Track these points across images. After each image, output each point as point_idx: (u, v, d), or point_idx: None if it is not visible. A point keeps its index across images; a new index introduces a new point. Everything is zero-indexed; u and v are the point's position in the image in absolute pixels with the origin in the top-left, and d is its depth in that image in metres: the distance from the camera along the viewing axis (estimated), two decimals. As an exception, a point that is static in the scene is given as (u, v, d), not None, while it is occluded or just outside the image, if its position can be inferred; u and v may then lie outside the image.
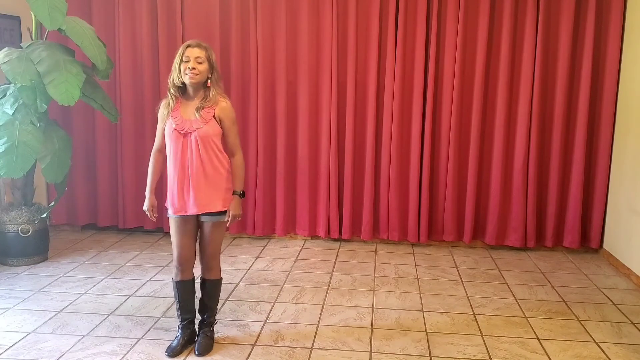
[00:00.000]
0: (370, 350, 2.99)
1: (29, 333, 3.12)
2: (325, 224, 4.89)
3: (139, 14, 4.77)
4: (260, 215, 4.92)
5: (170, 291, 3.74)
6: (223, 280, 3.11)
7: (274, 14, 4.68)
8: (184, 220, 2.88)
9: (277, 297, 3.71)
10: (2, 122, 3.85)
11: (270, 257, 4.56)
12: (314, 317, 3.39)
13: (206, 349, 2.96)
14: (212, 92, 2.82)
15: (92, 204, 5.10)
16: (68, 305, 3.50)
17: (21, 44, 4.04)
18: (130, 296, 3.67)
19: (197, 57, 2.74)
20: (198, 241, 2.99)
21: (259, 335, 3.15)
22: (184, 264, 2.94)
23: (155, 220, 3.05)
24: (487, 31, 4.53)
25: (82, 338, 3.07)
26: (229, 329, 3.22)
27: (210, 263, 2.97)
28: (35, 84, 3.75)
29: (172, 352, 2.93)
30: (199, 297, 3.07)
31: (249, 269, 4.24)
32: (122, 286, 3.84)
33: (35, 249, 4.27)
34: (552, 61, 4.54)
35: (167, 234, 4.99)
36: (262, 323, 3.30)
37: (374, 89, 4.68)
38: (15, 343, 3.00)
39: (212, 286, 3.01)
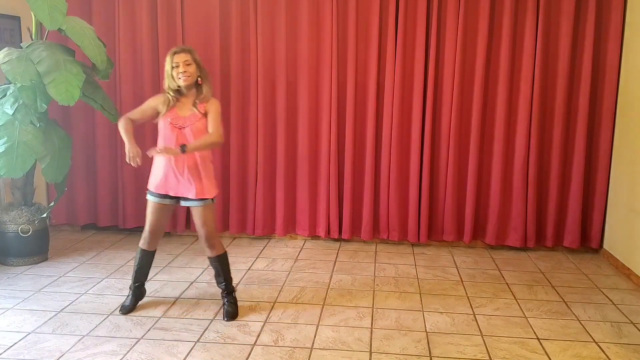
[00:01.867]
0: (370, 350, 2.99)
1: (29, 333, 3.12)
2: (325, 224, 4.89)
3: (139, 14, 4.77)
4: (260, 215, 4.92)
5: (170, 291, 3.75)
6: None
7: (274, 14, 4.68)
8: (164, 201, 3.23)
9: (277, 297, 3.71)
10: (2, 122, 3.85)
11: (270, 257, 4.56)
12: (314, 317, 3.39)
13: (233, 315, 3.33)
14: (205, 88, 3.16)
15: (92, 204, 5.09)
16: (68, 305, 3.50)
17: (21, 44, 4.04)
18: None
19: (185, 61, 3.07)
20: (194, 226, 3.33)
21: (259, 335, 3.15)
22: (155, 237, 3.32)
23: (139, 165, 3.11)
24: (487, 31, 4.52)
25: (82, 338, 3.07)
26: (229, 329, 3.22)
27: (211, 242, 3.28)
28: (35, 84, 3.74)
29: (126, 310, 3.37)
30: (214, 274, 3.43)
31: (249, 269, 4.24)
32: (122, 286, 3.83)
33: (35, 249, 4.27)
34: (552, 61, 4.54)
35: (167, 234, 5.00)
36: (262, 323, 3.30)
37: (374, 89, 4.68)
38: (15, 343, 3.00)
39: (219, 261, 3.35)
